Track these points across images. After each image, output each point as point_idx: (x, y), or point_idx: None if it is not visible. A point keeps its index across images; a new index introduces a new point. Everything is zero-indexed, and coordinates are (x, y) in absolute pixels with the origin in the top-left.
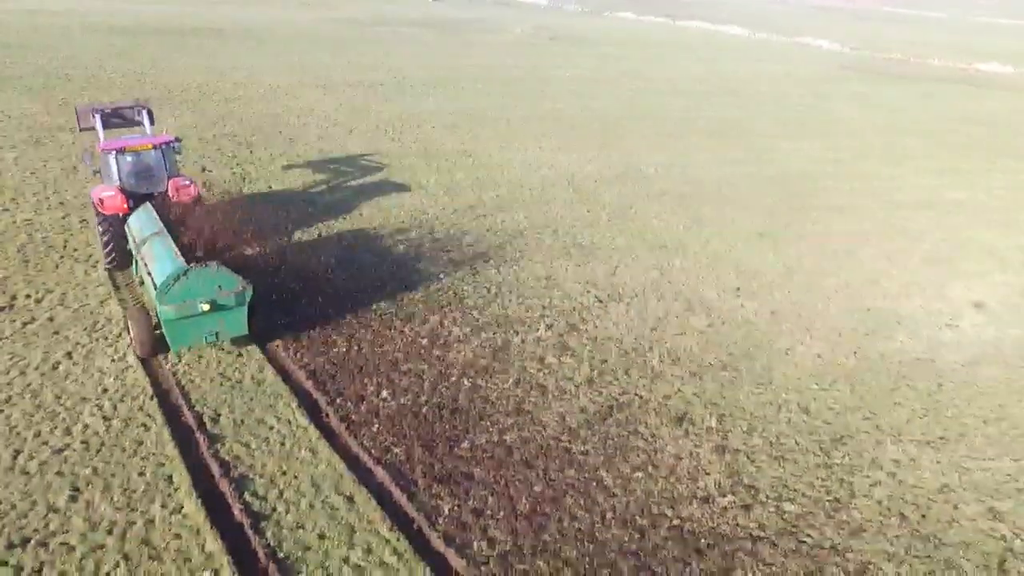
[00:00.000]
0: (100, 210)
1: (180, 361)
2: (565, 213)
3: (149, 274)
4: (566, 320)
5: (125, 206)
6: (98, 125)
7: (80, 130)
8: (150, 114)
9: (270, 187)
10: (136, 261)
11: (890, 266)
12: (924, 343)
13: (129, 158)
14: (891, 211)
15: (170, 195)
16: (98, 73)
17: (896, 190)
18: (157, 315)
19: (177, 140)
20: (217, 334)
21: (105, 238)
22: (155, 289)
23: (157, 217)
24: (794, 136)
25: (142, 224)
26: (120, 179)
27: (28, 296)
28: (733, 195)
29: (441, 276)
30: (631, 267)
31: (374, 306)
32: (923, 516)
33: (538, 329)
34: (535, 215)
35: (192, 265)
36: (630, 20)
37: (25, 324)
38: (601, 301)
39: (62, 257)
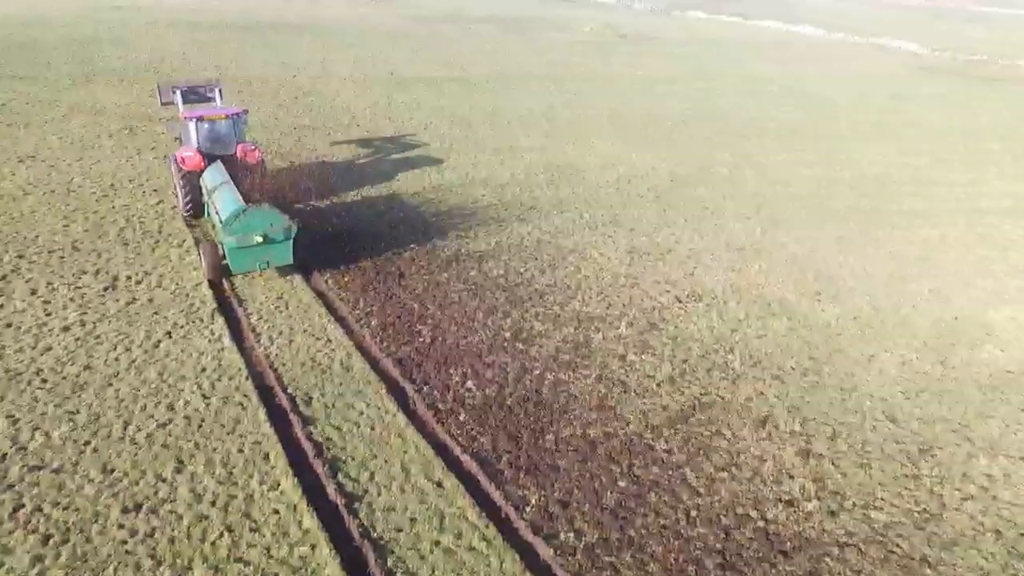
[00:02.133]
0: (181, 167)
1: (272, 344)
2: (642, 213)
3: (217, 213)
4: (646, 319)
5: (202, 164)
6: (178, 99)
7: (161, 104)
8: (220, 92)
9: (360, 195)
10: (208, 206)
11: (975, 274)
12: (1015, 355)
13: (206, 125)
14: (974, 218)
15: (238, 157)
16: (182, 66)
17: (979, 196)
18: (222, 247)
19: (245, 112)
20: (268, 262)
21: (184, 191)
22: (220, 223)
23: (225, 171)
24: (869, 139)
25: (213, 177)
26: (198, 142)
27: (129, 277)
28: (809, 198)
29: (521, 270)
30: (709, 268)
31: (456, 297)
32: (1021, 534)
33: (619, 327)
34: (613, 213)
35: (249, 205)
36: (700, 19)
37: (127, 304)
38: (680, 301)
39: (157, 242)
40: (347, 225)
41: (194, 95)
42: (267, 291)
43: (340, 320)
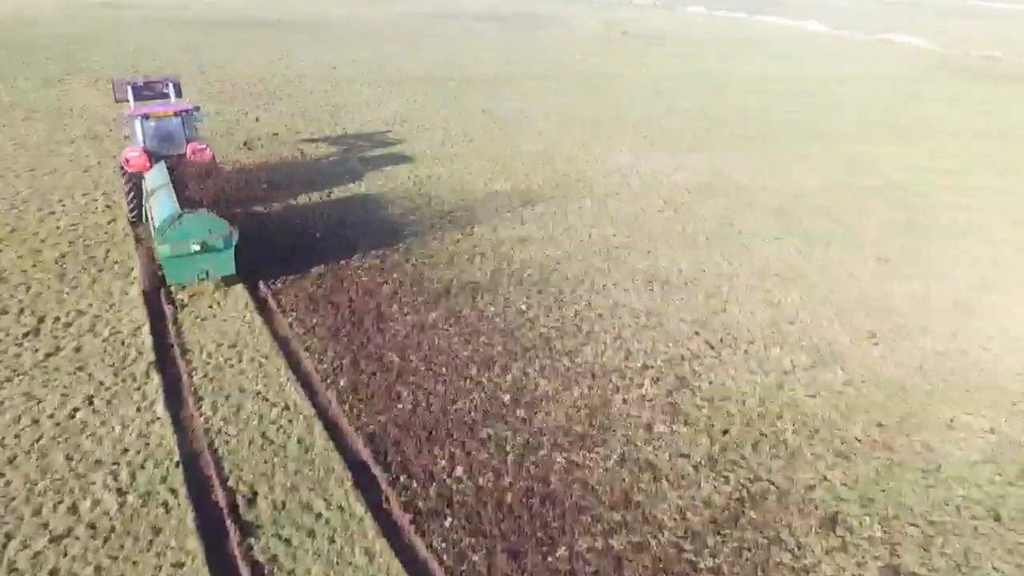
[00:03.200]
0: (125, 168)
1: (216, 413)
2: (659, 231)
3: (152, 219)
4: (674, 372)
5: (147, 165)
6: (130, 96)
7: (116, 101)
8: (176, 87)
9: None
10: (146, 210)
11: None
12: None
13: (152, 123)
14: None
15: (188, 157)
16: (165, 66)
17: None
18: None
19: (196, 109)
20: (208, 273)
21: (130, 194)
22: (154, 230)
23: (167, 173)
24: (886, 141)
25: (154, 179)
26: (144, 141)
27: (57, 319)
28: (838, 210)
29: (523, 307)
30: (742, 302)
31: (446, 344)
32: None
33: (642, 384)
34: (627, 232)
35: (185, 210)
36: (703, 15)
37: (48, 355)
38: (712, 347)
39: (100, 271)
40: (319, 233)
41: (149, 91)
42: (219, 335)
43: (303, 377)
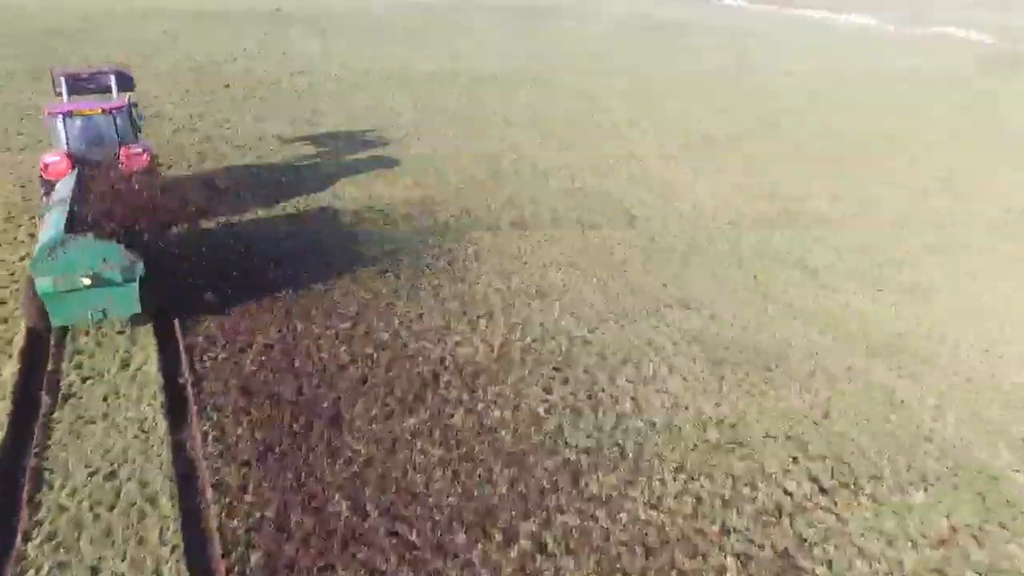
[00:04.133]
0: (43, 175)
1: None
2: (719, 283)
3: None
4: (770, 542)
5: (66, 171)
6: (63, 89)
7: (56, 94)
8: (123, 79)
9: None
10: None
11: None
12: None
13: (77, 122)
14: None
15: (121, 162)
16: (145, 63)
17: None
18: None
19: (134, 105)
20: (104, 311)
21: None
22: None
23: (74, 186)
24: (978, 148)
25: (58, 192)
26: (67, 144)
27: None
28: (950, 252)
29: (540, 411)
30: (854, 395)
31: (424, 482)
32: None
33: (723, 561)
34: (679, 283)
35: (69, 235)
36: (736, 7)
37: None
38: (825, 491)
39: None
40: (276, 264)
41: (91, 83)
42: (100, 452)
43: (198, 542)
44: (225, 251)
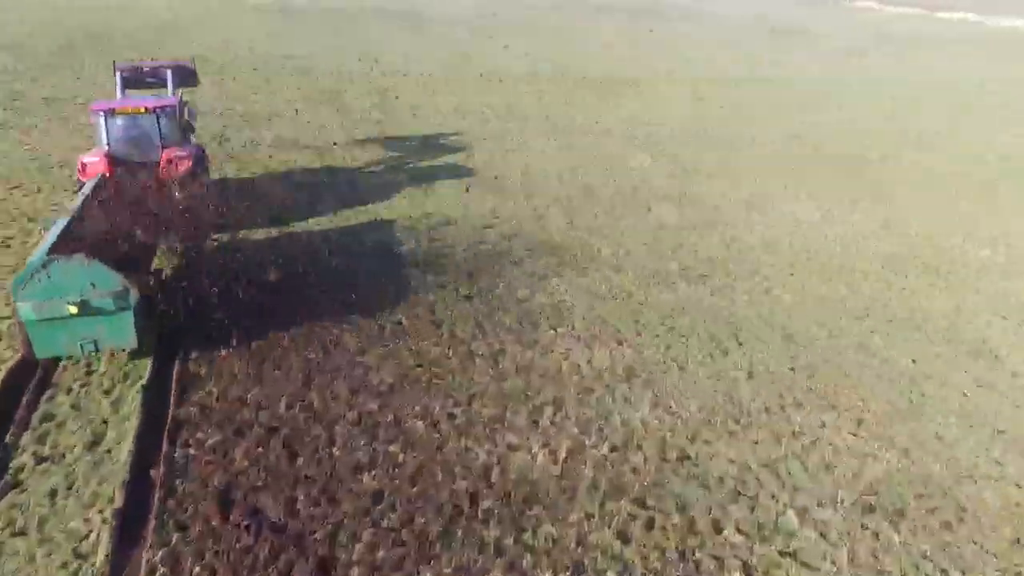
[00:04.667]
0: (79, 177)
1: None
2: (880, 358)
3: None
4: None
5: (105, 174)
6: (117, 84)
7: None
8: (181, 73)
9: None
10: None
11: None
12: None
13: (119, 121)
14: None
15: (161, 167)
16: (235, 60)
17: None
18: None
19: (183, 104)
20: (96, 343)
21: None
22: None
23: (88, 193)
24: None
25: (75, 201)
26: (108, 144)
27: None
28: None
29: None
30: None
31: None
32: None
33: None
34: (810, 367)
35: (53, 256)
36: (873, 10)
37: None
38: None
39: None
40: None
41: (153, 79)
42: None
43: None
44: (256, 271)
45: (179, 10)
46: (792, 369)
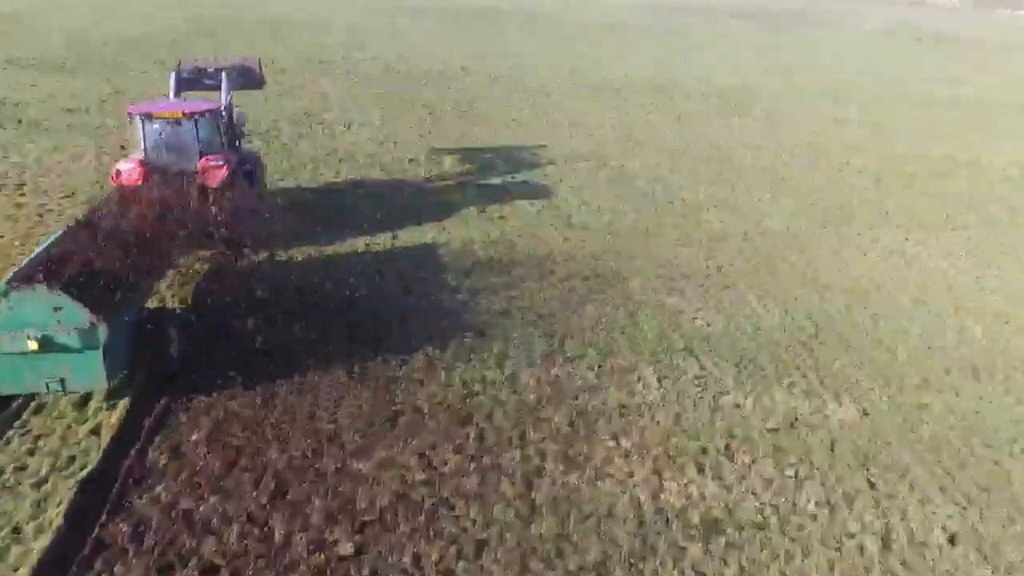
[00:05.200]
0: (112, 182)
1: None
2: None
3: None
4: None
5: (137, 182)
6: (171, 85)
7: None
8: (240, 74)
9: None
10: None
11: None
12: None
13: (156, 126)
14: None
15: (198, 175)
16: (332, 60)
17: None
18: None
19: (225, 109)
20: (63, 382)
21: None
22: None
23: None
24: None
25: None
26: (145, 150)
27: None
28: None
29: None
30: None
31: None
32: None
33: None
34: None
35: (14, 284)
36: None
37: None
38: None
39: None
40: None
41: (210, 80)
42: None
43: None
44: (275, 309)
45: (305, 6)
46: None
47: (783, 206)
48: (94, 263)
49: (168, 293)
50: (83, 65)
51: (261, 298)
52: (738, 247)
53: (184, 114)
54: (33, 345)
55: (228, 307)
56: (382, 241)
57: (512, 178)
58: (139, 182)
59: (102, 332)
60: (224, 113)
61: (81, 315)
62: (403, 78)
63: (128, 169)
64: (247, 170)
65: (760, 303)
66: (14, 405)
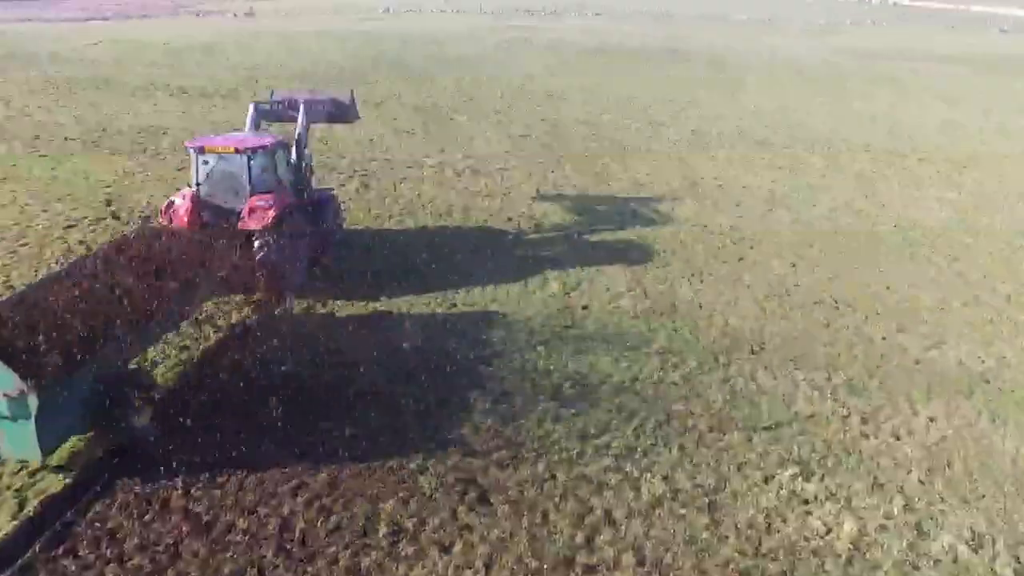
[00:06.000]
0: (161, 217)
1: None
2: None
3: None
4: None
5: (187, 219)
6: (248, 116)
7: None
8: (327, 107)
9: None
10: None
11: None
12: None
13: (208, 160)
14: None
15: (243, 216)
16: (466, 102)
17: None
18: None
19: (281, 146)
20: None
21: None
22: None
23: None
24: None
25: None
26: (197, 185)
27: None
28: None
29: None
30: None
31: None
32: None
33: None
34: None
35: None
36: None
37: None
38: None
39: None
40: None
41: (293, 111)
42: None
43: None
44: (288, 372)
45: (480, 45)
46: None
47: None
48: (59, 319)
49: (168, 351)
50: (236, 93)
51: (277, 363)
52: None
53: (236, 149)
54: None
55: (237, 370)
56: (443, 301)
57: (621, 235)
58: (185, 220)
59: (32, 402)
60: (282, 149)
61: (8, 380)
62: (538, 119)
63: (178, 204)
64: (313, 212)
65: None
66: None
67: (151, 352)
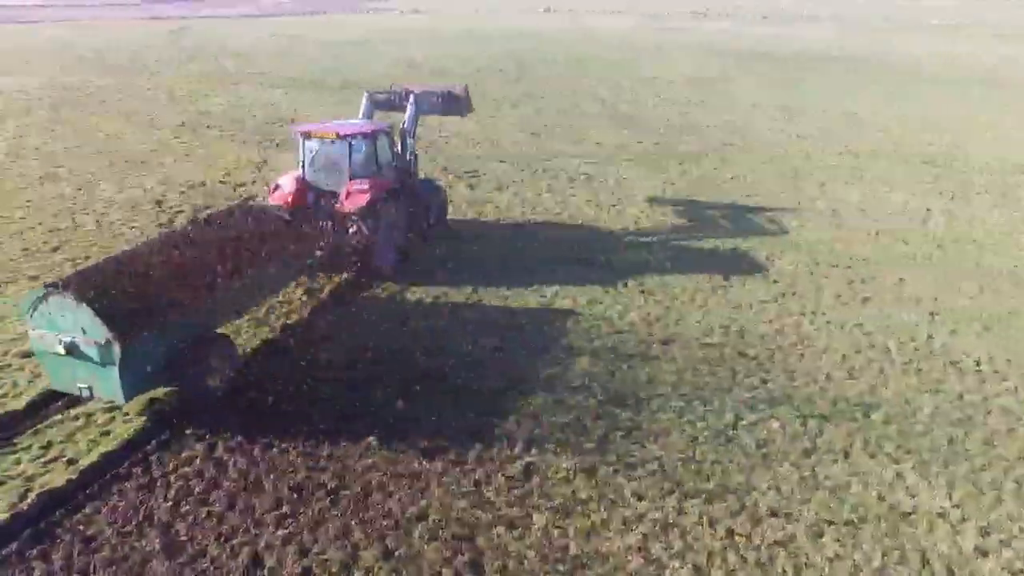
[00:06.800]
0: (270, 196)
1: None
2: None
3: None
4: None
5: (290, 199)
6: (362, 107)
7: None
8: (438, 99)
9: None
10: None
11: None
12: None
13: (313, 145)
14: None
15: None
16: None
17: None
18: None
19: (385, 133)
20: (91, 389)
21: None
22: None
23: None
24: None
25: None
26: (303, 168)
27: None
28: None
29: None
30: None
31: None
32: None
33: None
34: None
35: (50, 288)
36: None
37: None
38: None
39: None
40: None
41: (405, 102)
42: None
43: None
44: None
45: (628, 50)
46: None
47: None
48: (153, 280)
49: (250, 325)
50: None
51: (351, 344)
52: None
53: (338, 135)
54: (61, 349)
55: (314, 343)
56: (526, 297)
57: (727, 243)
58: (288, 199)
59: (116, 351)
60: (385, 137)
61: (99, 330)
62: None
63: (282, 184)
64: (415, 200)
65: None
66: (59, 402)
67: (240, 322)
